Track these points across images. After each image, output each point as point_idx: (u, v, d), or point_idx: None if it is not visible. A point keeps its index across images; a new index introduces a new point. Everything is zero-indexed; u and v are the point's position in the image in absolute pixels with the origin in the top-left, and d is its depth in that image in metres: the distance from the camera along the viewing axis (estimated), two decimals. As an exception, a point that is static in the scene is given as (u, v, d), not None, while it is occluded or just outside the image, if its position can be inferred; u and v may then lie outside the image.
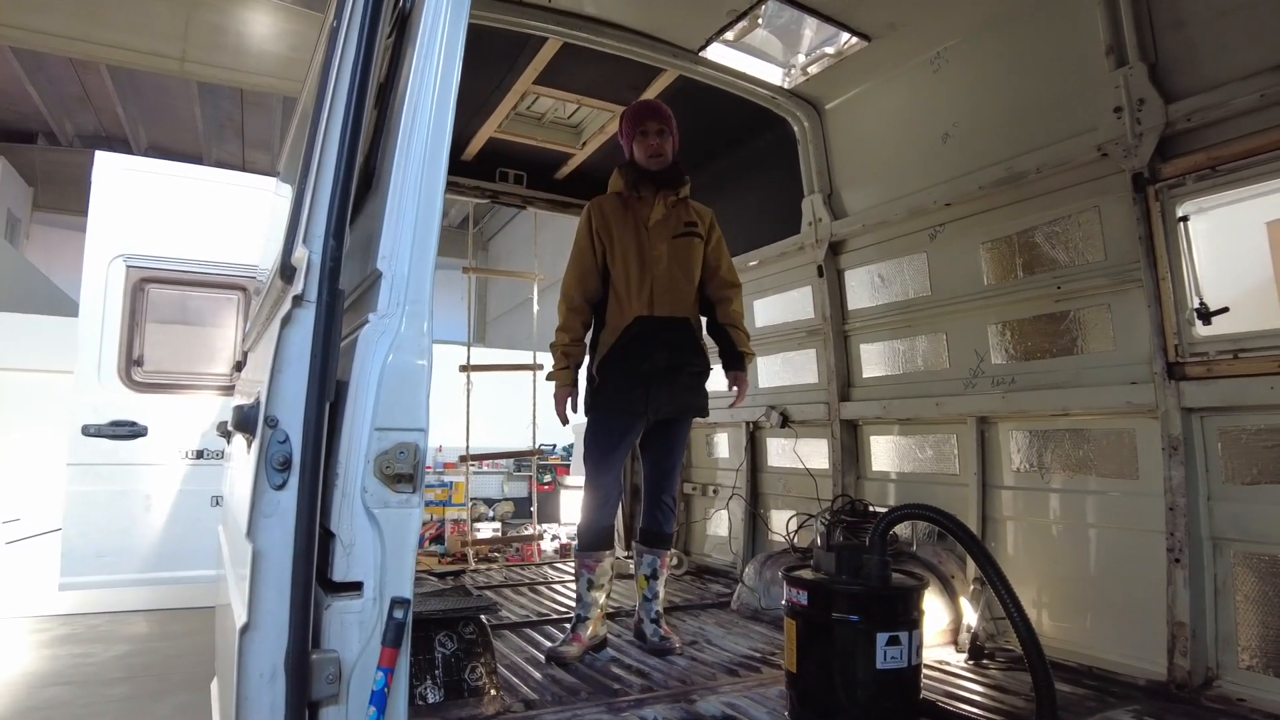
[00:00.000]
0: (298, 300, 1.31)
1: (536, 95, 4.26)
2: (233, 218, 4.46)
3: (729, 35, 3.58)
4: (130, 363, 4.22)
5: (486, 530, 8.84)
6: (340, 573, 1.34)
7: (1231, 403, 2.52)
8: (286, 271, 1.42)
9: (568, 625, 3.44)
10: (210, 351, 4.42)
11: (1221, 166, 2.54)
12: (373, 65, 1.40)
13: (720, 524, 4.96)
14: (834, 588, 2.24)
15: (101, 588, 4.34)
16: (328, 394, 1.30)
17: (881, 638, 2.15)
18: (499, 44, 3.63)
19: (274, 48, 8.06)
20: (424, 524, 9.82)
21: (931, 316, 3.66)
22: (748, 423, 4.76)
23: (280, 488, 1.29)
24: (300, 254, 1.34)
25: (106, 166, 4.34)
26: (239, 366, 4.45)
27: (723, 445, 5.12)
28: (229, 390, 4.36)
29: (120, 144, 14.30)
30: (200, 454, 4.26)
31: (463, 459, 5.41)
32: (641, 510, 3.39)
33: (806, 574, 2.34)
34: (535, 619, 3.60)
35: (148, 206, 4.32)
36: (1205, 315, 2.60)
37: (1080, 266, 3.01)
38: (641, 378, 3.12)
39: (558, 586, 4.43)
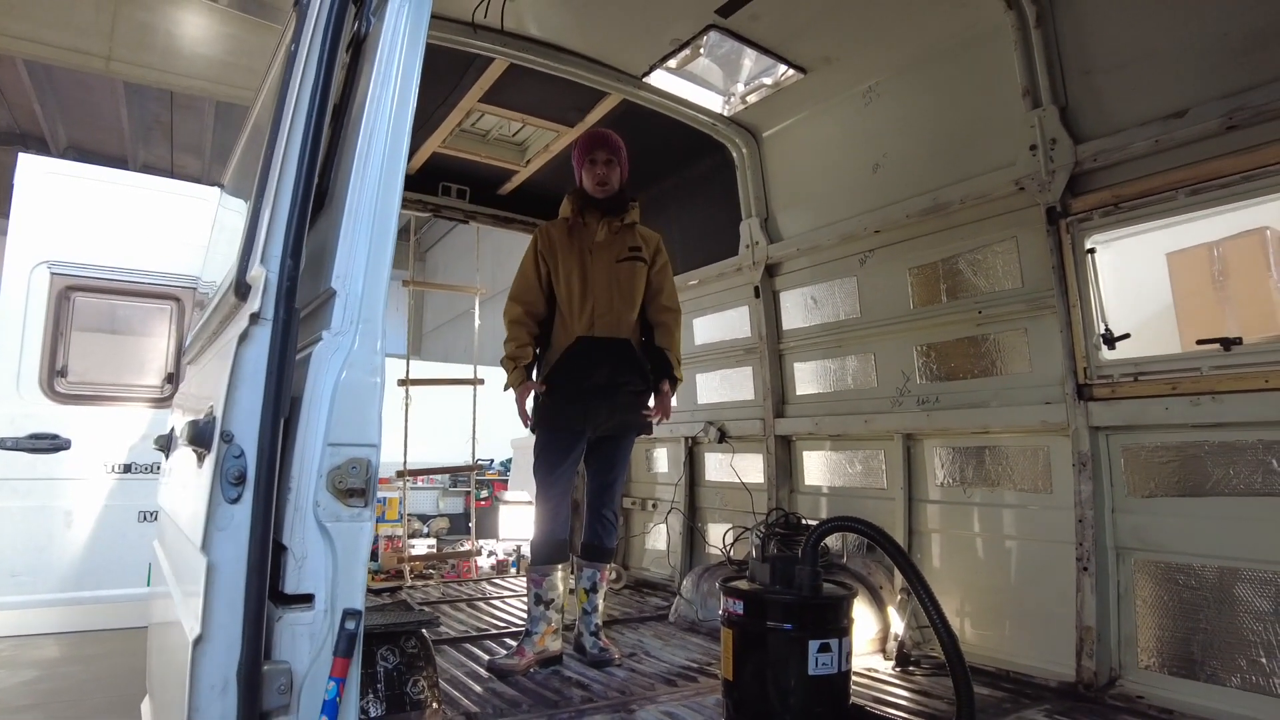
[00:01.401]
0: (254, 318, 1.33)
1: (482, 113, 4.30)
2: (166, 226, 4.35)
3: (671, 63, 3.70)
4: (53, 373, 4.05)
5: (421, 547, 8.75)
6: (292, 585, 1.36)
7: (1132, 422, 2.72)
8: (241, 288, 1.44)
9: (510, 640, 3.46)
10: (140, 362, 4.28)
11: (1124, 204, 2.76)
12: (331, 89, 1.44)
13: (659, 538, 5.04)
14: (768, 597, 2.34)
15: (13, 609, 4.13)
16: (283, 410, 1.33)
17: (813, 645, 2.25)
18: (447, 61, 3.66)
19: (207, 50, 7.86)
20: None
21: (861, 337, 3.82)
22: (686, 438, 4.86)
23: (235, 501, 1.31)
24: (257, 272, 1.37)
25: (30, 170, 4.19)
26: (171, 378, 4.33)
27: (662, 460, 5.20)
28: (160, 403, 4.23)
29: (36, 142, 13.64)
30: (128, 468, 4.12)
31: (400, 474, 5.33)
32: (583, 525, 3.45)
33: (742, 585, 2.43)
34: (474, 634, 3.60)
35: (75, 212, 4.17)
36: (1110, 340, 2.81)
37: (999, 293, 3.21)
38: (581, 395, 3.22)
39: (496, 602, 4.43)
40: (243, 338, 1.33)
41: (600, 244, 3.30)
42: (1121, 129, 2.76)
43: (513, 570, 7.02)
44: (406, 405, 5.23)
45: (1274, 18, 2.41)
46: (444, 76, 3.85)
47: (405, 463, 5.30)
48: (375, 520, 1.45)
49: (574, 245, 3.30)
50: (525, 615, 3.23)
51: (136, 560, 4.03)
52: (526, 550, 7.37)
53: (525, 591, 3.71)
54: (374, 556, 8.35)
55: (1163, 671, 2.62)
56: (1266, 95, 2.40)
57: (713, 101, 4.09)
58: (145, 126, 13.29)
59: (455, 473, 7.74)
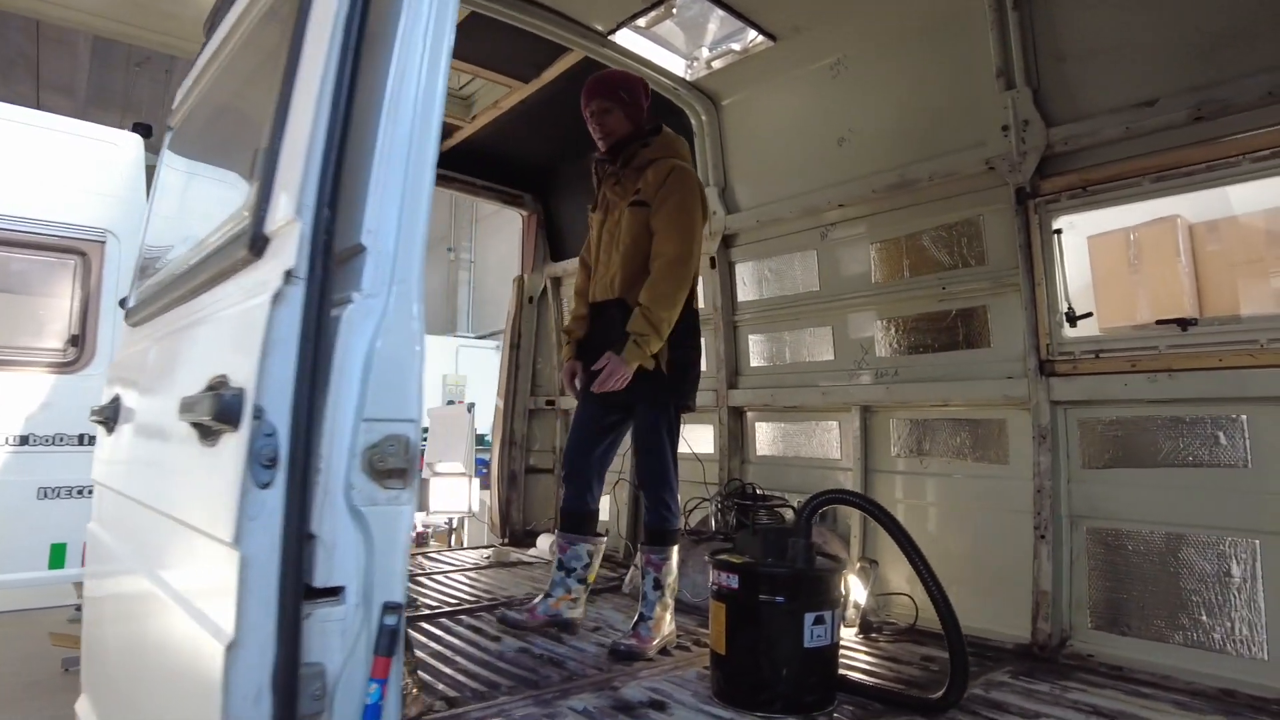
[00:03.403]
0: (289, 276, 1.16)
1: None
2: (70, 172, 3.87)
3: (641, 21, 3.57)
4: (-67, 335, 3.57)
5: None
6: (321, 578, 1.22)
7: (1091, 396, 2.85)
8: (258, 243, 1.26)
9: (463, 617, 3.35)
10: (38, 324, 3.83)
11: (1091, 187, 2.86)
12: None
13: (604, 509, 4.97)
14: (763, 571, 2.32)
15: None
16: (320, 382, 1.17)
17: (809, 618, 2.26)
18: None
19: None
20: None
21: (820, 311, 3.85)
22: (633, 409, 4.80)
23: (266, 486, 1.15)
24: (287, 224, 1.20)
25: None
26: (77, 341, 3.90)
27: (604, 431, 5.12)
28: (63, 368, 3.80)
29: (-128, 70, 12.02)
30: (25, 440, 3.68)
31: None
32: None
33: (734, 558, 2.41)
34: (429, 612, 3.45)
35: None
36: (1072, 319, 2.92)
37: (963, 270, 3.28)
38: (587, 366, 3.09)
39: (439, 577, 4.27)
40: (276, 298, 1.16)
41: (613, 200, 3.14)
42: (1093, 115, 2.84)
43: (448, 543, 6.78)
44: None
45: (1239, 17, 2.53)
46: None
47: None
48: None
49: (600, 206, 3.23)
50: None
51: (36, 542, 3.64)
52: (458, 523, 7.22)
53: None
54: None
55: (1111, 631, 2.78)
56: (1233, 91, 2.51)
57: (676, 65, 3.99)
58: (7, 60, 11.92)
59: None
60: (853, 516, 3.59)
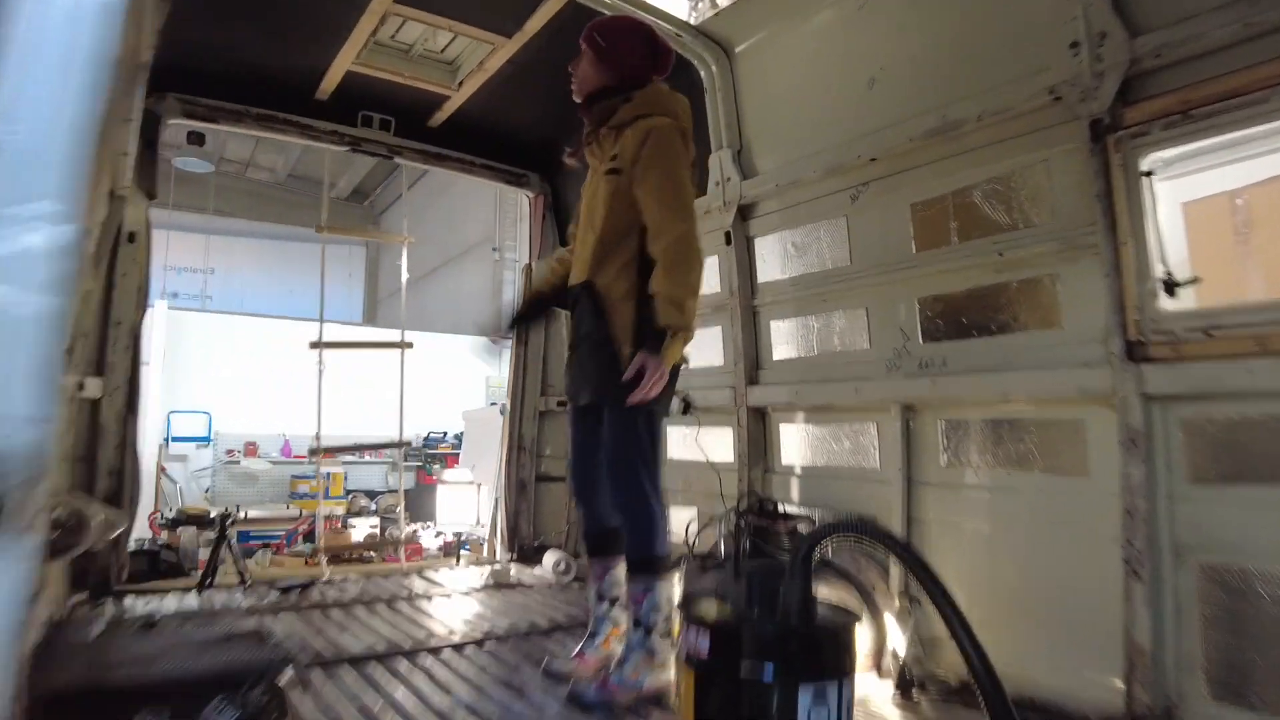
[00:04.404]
0: None
1: (402, 19, 3.57)
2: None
3: (625, -51, 3.01)
4: None
5: (364, 527, 8.04)
6: None
7: (1201, 390, 2.15)
8: None
9: (430, 657, 2.85)
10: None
11: (1195, 110, 2.15)
12: None
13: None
14: (744, 630, 1.73)
15: None
16: None
17: (804, 694, 1.65)
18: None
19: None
20: (294, 520, 8.74)
21: (851, 290, 3.21)
22: (646, 410, 4.23)
23: None
24: None
25: None
26: None
27: (618, 435, 4.56)
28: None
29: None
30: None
31: (312, 453, 4.65)
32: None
33: (708, 610, 1.82)
34: (386, 650, 2.93)
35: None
36: (1171, 287, 2.22)
37: (1025, 231, 2.60)
38: (573, 367, 2.75)
39: (423, 603, 3.76)
40: None
41: (593, 166, 2.68)
42: (1194, 14, 2.14)
43: (462, 555, 6.33)
44: (320, 371, 4.52)
45: None
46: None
47: (319, 438, 4.61)
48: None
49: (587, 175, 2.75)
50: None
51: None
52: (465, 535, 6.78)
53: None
54: (309, 538, 7.67)
55: (1233, 704, 2.07)
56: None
57: (678, 7, 3.41)
58: None
59: (375, 449, 6.89)
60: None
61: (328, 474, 9.84)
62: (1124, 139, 2.28)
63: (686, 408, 3.95)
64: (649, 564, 2.47)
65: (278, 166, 15.43)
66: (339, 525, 7.94)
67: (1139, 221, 2.27)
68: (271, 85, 3.94)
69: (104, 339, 3.59)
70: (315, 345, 4.54)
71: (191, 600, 3.65)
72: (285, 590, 3.93)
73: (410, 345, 4.92)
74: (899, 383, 2.95)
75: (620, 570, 2.62)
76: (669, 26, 3.45)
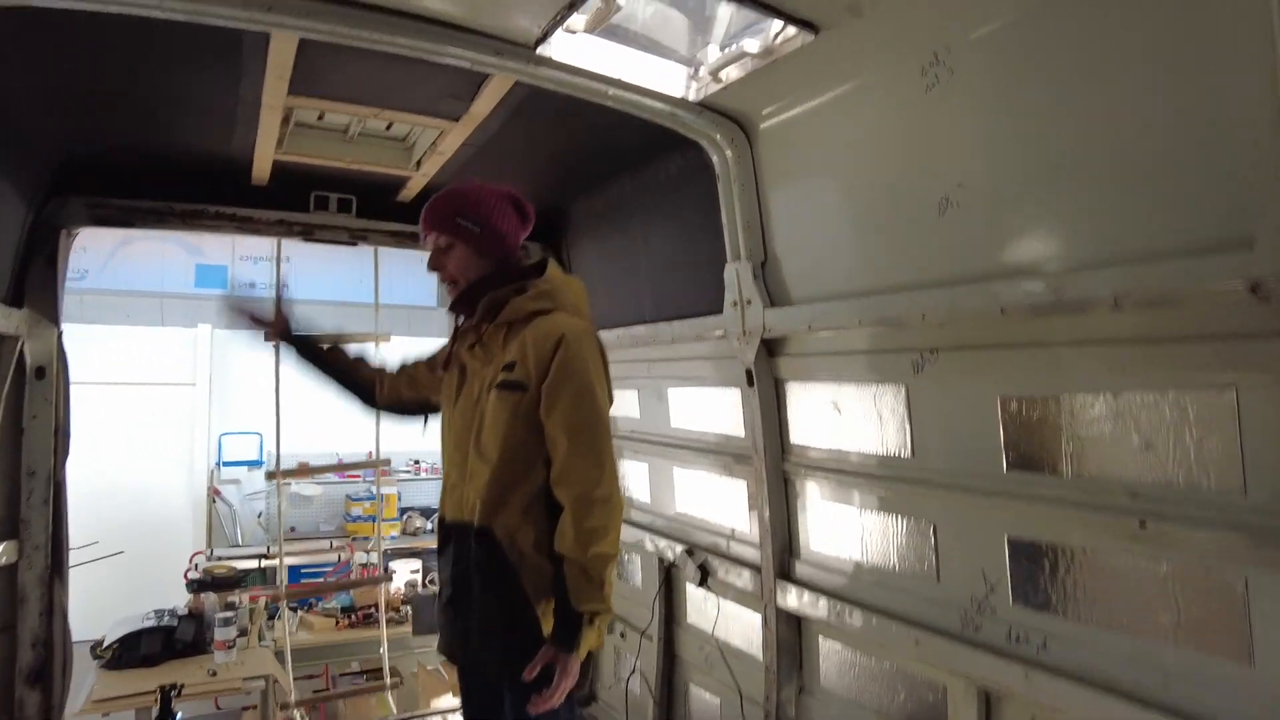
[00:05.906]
0: None
1: (320, 110, 2.78)
2: None
3: (576, 23, 2.08)
4: None
5: (405, 571, 7.30)
6: None
7: None
8: None
9: None
10: None
11: None
12: None
13: (634, 686, 3.62)
14: None
15: None
16: None
17: None
18: (204, 34, 2.12)
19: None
20: (335, 560, 7.84)
21: (912, 492, 2.25)
22: (661, 558, 3.41)
23: None
24: None
25: None
26: None
27: (635, 569, 3.76)
28: None
29: None
30: None
31: (270, 475, 4.19)
32: None
33: None
34: None
35: None
36: None
37: (1187, 492, 1.60)
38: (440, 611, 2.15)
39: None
40: None
41: (472, 371, 2.12)
42: None
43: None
44: (277, 368, 3.87)
45: None
46: (211, 57, 2.32)
47: (278, 456, 4.06)
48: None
49: (451, 371, 2.20)
50: None
51: None
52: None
53: None
54: (346, 587, 6.92)
55: None
56: None
57: (672, 78, 2.45)
58: None
59: (350, 469, 6.12)
60: None
61: (383, 495, 9.39)
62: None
63: (703, 578, 3.10)
64: None
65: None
66: (374, 573, 7.14)
67: None
68: (196, 177, 3.24)
69: (15, 493, 3.06)
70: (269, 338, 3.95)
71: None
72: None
73: (387, 337, 4.38)
74: (976, 655, 2.01)
75: None
76: (661, 105, 2.50)
